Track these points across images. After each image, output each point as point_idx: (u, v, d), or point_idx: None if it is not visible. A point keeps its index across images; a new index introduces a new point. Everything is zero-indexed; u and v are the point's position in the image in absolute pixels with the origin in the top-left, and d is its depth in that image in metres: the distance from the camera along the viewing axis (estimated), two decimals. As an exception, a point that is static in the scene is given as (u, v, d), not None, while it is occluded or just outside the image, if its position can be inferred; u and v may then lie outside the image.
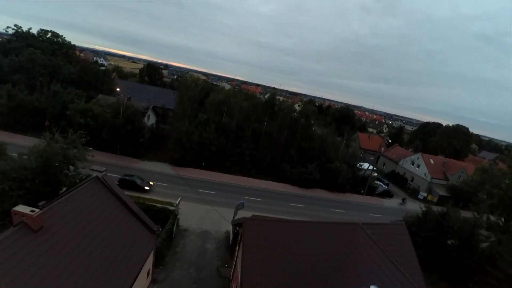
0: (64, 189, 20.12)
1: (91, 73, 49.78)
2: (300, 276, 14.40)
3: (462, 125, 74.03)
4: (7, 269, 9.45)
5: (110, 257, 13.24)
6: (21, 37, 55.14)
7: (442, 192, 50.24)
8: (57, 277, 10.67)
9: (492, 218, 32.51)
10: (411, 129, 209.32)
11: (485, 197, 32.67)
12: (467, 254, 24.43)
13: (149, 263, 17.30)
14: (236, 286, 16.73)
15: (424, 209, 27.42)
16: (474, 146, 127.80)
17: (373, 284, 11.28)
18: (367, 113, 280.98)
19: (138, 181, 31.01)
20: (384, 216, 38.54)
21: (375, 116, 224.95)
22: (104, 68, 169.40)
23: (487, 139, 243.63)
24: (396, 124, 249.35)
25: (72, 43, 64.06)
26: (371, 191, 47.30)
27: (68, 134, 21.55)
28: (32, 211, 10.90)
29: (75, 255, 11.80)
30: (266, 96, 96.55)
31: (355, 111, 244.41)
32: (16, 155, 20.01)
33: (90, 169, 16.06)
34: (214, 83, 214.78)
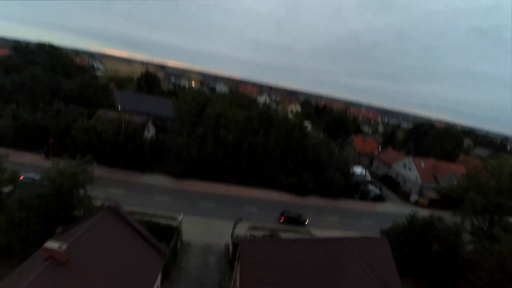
0: (77, 213, 21.96)
1: (91, 88, 51.36)
2: (292, 292, 16.34)
3: (452, 127, 76.19)
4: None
5: (127, 280, 15.12)
6: (20, 52, 56.66)
7: (432, 195, 52.45)
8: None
9: (476, 222, 34.54)
10: (407, 126, 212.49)
11: (469, 204, 34.56)
12: (451, 262, 26.40)
13: (158, 281, 19.20)
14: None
15: (408, 217, 29.40)
16: (469, 142, 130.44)
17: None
18: (363, 110, 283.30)
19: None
20: (376, 222, 40.49)
21: (371, 115, 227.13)
22: (99, 72, 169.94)
23: (484, 133, 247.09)
24: (392, 121, 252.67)
25: (68, 46, 66.40)
26: (364, 196, 49.42)
27: (77, 159, 23.14)
28: (60, 247, 12.65)
29: (99, 281, 13.66)
30: (262, 101, 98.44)
31: (352, 109, 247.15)
32: (29, 180, 21.64)
33: (104, 201, 17.84)
34: (211, 85, 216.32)
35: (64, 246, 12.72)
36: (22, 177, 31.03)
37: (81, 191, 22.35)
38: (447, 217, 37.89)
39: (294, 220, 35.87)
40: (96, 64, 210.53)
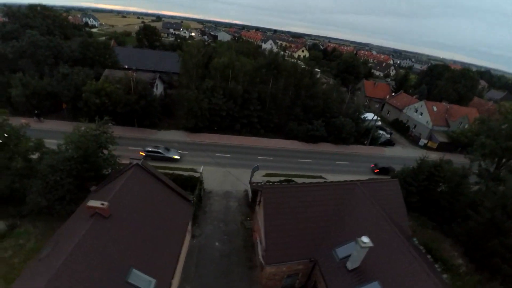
0: (106, 171, 23.61)
1: (92, 48, 49.86)
2: (310, 230, 18.34)
3: (469, 69, 72.31)
4: (97, 246, 13.14)
5: (164, 227, 17.20)
6: (13, 17, 54.07)
7: (442, 138, 52.81)
8: (130, 248, 14.54)
9: (483, 164, 35.51)
10: (420, 68, 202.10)
11: (478, 147, 35.02)
12: (454, 200, 28.17)
13: (189, 225, 21.61)
14: (257, 237, 21.11)
15: (419, 161, 30.45)
16: (483, 84, 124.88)
17: (365, 235, 14.92)
18: (374, 52, 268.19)
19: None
20: (386, 165, 41.97)
21: (382, 57, 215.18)
22: (96, 29, 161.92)
23: (500, 73, 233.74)
24: (404, 63, 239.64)
25: (57, 3, 63.29)
26: (374, 141, 50.30)
27: (95, 121, 23.96)
28: (102, 204, 14.16)
29: (139, 231, 15.62)
30: (267, 49, 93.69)
31: (362, 52, 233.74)
32: (55, 147, 22.81)
33: (131, 158, 19.11)
34: (212, 33, 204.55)
35: (106, 203, 14.27)
36: (143, 153, 33.34)
37: (105, 151, 23.71)
38: (456, 160, 38.88)
39: (385, 170, 39.48)
40: (90, 20, 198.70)
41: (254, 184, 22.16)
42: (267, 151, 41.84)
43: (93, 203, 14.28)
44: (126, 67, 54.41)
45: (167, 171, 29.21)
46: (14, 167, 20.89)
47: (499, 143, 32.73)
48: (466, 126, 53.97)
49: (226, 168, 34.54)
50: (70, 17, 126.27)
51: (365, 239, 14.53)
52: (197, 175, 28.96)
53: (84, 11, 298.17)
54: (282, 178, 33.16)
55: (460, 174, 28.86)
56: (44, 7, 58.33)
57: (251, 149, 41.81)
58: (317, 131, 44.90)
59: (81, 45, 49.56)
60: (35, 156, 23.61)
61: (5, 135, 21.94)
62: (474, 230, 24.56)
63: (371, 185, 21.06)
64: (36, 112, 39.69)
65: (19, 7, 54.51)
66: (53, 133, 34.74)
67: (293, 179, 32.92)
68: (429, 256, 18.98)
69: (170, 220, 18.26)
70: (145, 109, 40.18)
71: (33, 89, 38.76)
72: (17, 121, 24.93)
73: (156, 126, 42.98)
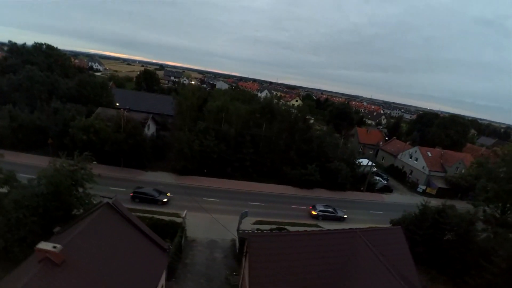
0: (76, 211, 21.20)
1: (89, 87, 50.43)
2: (303, 285, 15.44)
3: (458, 115, 74.59)
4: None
5: (128, 280, 14.24)
6: (16, 53, 55.70)
7: (440, 184, 51.32)
8: (82, 306, 11.69)
9: (489, 210, 33.64)
10: (409, 117, 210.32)
11: (481, 191, 33.71)
12: (464, 249, 25.54)
13: (162, 279, 18.36)
14: (245, 296, 17.80)
15: (421, 207, 28.41)
16: (473, 131, 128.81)
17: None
18: (365, 103, 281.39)
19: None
20: (385, 212, 39.56)
21: (373, 107, 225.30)
22: (100, 73, 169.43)
23: (486, 122, 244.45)
24: (394, 113, 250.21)
25: (66, 48, 65.46)
26: (371, 187, 48.39)
27: (74, 156, 22.30)
28: (54, 247, 11.77)
29: (99, 281, 12.77)
30: (263, 97, 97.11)
31: (353, 102, 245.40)
32: (26, 181, 20.83)
33: (101, 196, 16.99)
34: (211, 82, 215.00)
35: (59, 246, 11.88)
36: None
37: (80, 189, 21.63)
38: (458, 206, 36.98)
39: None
40: (96, 65, 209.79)
41: (241, 232, 19.65)
42: (259, 196, 39.39)
43: (43, 245, 11.79)
44: (118, 105, 54.38)
45: (146, 214, 26.50)
46: None
47: (502, 187, 31.38)
48: (463, 171, 52.96)
49: (213, 214, 31.75)
50: (76, 61, 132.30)
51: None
52: (179, 220, 26.20)
53: (91, 56, 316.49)
54: (274, 226, 30.31)
55: (467, 220, 26.63)
56: (49, 46, 60.30)
57: (242, 193, 39.37)
58: (311, 175, 43.17)
59: (78, 83, 50.14)
60: (3, 189, 21.29)
61: None
62: (491, 283, 21.63)
63: (372, 233, 18.71)
64: None
65: (24, 44, 56.31)
66: (32, 168, 32.34)
67: (286, 227, 30.11)
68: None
69: (139, 272, 15.32)
70: (134, 148, 38.70)
71: (20, 122, 37.72)
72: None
73: (144, 167, 41.05)
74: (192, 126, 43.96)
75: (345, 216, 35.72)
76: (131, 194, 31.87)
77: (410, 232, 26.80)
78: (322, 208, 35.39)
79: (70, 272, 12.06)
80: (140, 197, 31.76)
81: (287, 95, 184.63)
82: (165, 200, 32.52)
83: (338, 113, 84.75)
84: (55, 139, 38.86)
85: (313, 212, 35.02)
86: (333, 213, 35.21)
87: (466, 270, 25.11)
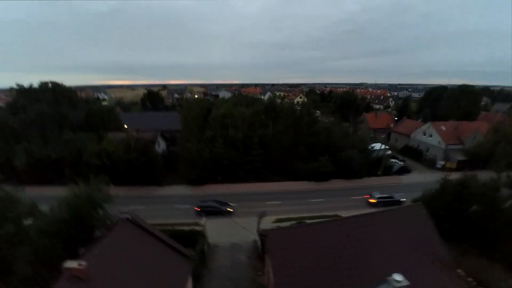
0: (98, 232, 21.77)
1: (97, 114, 52.08)
2: (329, 274, 15.23)
3: (467, 85, 72.27)
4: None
5: (154, 289, 14.53)
6: (24, 94, 58.23)
7: (459, 156, 49.60)
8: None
9: None
10: (418, 96, 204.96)
11: (501, 156, 32.31)
12: (493, 219, 24.45)
13: (189, 285, 18.55)
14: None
15: (441, 181, 27.49)
16: (486, 99, 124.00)
17: (396, 271, 11.99)
18: (370, 89, 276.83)
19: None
20: (406, 193, 38.46)
21: (379, 91, 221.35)
22: (105, 102, 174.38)
23: (499, 88, 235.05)
24: (402, 94, 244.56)
25: (72, 84, 67.47)
26: (388, 171, 47.33)
27: (90, 181, 22.98)
28: (80, 264, 12.24)
29: (124, 294, 13.12)
30: (266, 98, 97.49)
31: (358, 90, 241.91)
32: (48, 209, 21.60)
33: (119, 213, 17.43)
34: (214, 93, 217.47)
35: (84, 263, 12.31)
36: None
37: (100, 211, 22.21)
38: (481, 177, 35.61)
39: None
40: (101, 95, 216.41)
41: (261, 231, 19.65)
42: (275, 195, 39.28)
43: (69, 264, 12.31)
44: (127, 127, 55.71)
45: (167, 228, 26.86)
46: (3, 233, 19.29)
47: None
48: (481, 139, 51.02)
49: (233, 218, 31.93)
50: (82, 93, 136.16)
51: (398, 277, 11.61)
52: (199, 228, 26.44)
53: (96, 87, 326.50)
54: (294, 222, 30.09)
55: (492, 187, 25.50)
56: (54, 83, 62.55)
57: (257, 195, 39.40)
58: (324, 167, 42.66)
59: (87, 113, 51.80)
60: (29, 221, 22.17)
61: None
62: None
63: (393, 213, 18.33)
64: None
65: (31, 84, 58.49)
66: (52, 199, 33.58)
67: (306, 221, 29.78)
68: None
69: (163, 280, 15.58)
70: (147, 166, 39.57)
71: (37, 157, 39.26)
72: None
73: (159, 182, 41.78)
74: (199, 136, 44.54)
75: (404, 199, 34.29)
76: (197, 208, 33.13)
77: (434, 208, 25.90)
78: (380, 195, 34.45)
79: (96, 286, 12.43)
80: (206, 210, 32.95)
81: (290, 94, 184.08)
82: (229, 209, 33.52)
83: (343, 102, 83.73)
84: (70, 167, 40.27)
85: (372, 200, 34.07)
86: (391, 198, 34.17)
87: (497, 240, 24.03)
